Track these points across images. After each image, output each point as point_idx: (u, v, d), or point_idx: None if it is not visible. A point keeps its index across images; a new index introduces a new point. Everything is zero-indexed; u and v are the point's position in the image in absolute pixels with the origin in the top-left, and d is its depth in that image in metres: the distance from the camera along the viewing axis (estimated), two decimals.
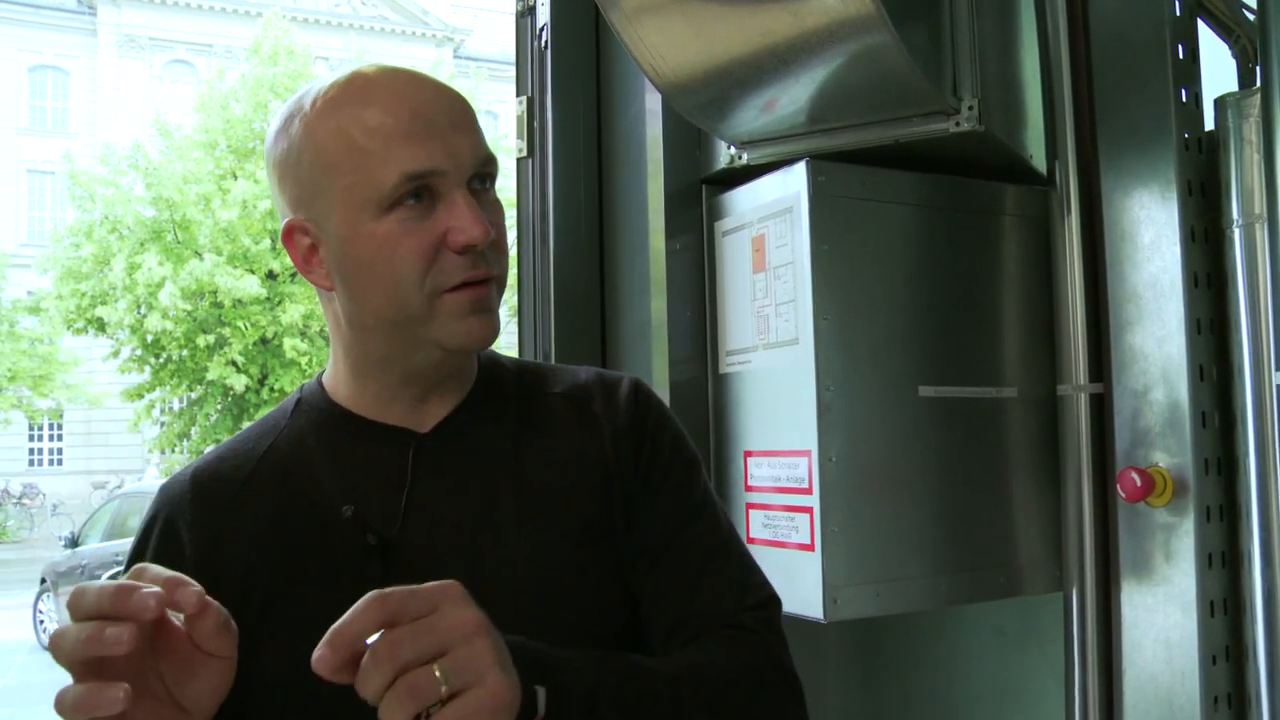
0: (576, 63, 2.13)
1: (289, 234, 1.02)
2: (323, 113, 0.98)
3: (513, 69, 2.26)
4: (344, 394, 1.09)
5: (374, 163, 0.95)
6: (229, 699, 0.87)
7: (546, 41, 2.14)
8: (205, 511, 1.04)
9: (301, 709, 0.94)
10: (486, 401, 1.10)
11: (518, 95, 2.20)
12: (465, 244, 0.96)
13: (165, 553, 1.02)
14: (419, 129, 0.96)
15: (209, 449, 1.12)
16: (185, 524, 1.04)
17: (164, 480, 1.11)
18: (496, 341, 1.06)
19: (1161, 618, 1.58)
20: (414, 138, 0.96)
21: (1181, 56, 1.62)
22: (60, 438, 27.56)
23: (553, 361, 2.01)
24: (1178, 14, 1.63)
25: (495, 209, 1.02)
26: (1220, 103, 1.60)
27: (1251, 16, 1.66)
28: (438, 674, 0.75)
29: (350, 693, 0.75)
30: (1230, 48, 1.70)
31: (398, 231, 0.96)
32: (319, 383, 1.12)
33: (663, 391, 1.84)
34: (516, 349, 2.12)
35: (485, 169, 1.00)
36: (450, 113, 0.99)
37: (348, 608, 0.77)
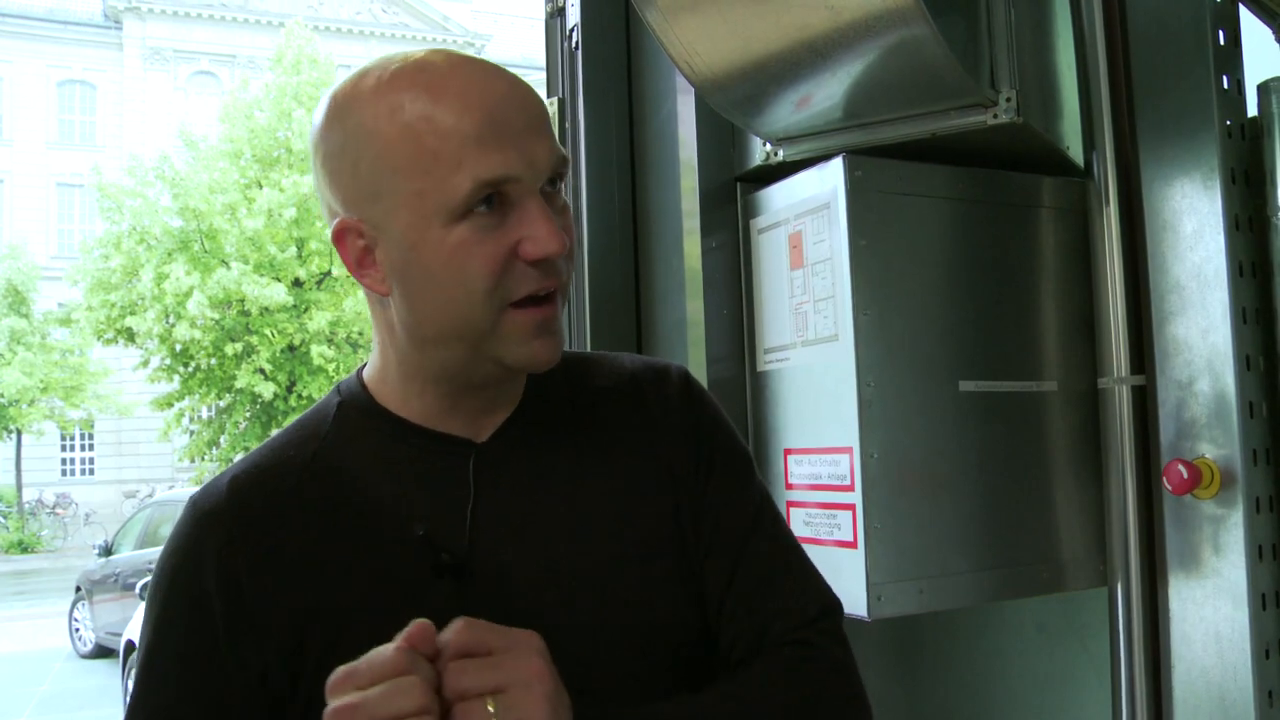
0: (607, 63, 2.13)
1: (341, 234, 0.94)
2: (387, 106, 0.90)
3: (534, 73, 2.26)
4: (394, 400, 1.02)
5: (446, 168, 0.88)
6: None
7: (577, 42, 2.14)
8: (248, 528, 0.96)
9: None
10: (540, 405, 1.06)
11: (548, 97, 2.20)
12: (540, 256, 0.91)
13: (199, 582, 0.94)
14: (494, 133, 0.89)
15: (240, 456, 1.05)
16: (225, 544, 0.95)
17: (194, 492, 1.01)
18: None
19: (1211, 611, 1.56)
20: (489, 143, 0.89)
21: (1223, 42, 1.60)
22: (92, 448, 27.84)
23: None
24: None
25: (564, 212, 0.97)
26: (1263, 88, 1.58)
27: None
28: (490, 709, 0.78)
29: None
30: (1273, 32, 1.67)
31: (469, 240, 0.90)
32: (360, 384, 1.05)
33: None
34: None
35: (558, 170, 0.95)
36: (525, 113, 0.92)
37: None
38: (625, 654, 0.97)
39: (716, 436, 1.09)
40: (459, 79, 0.91)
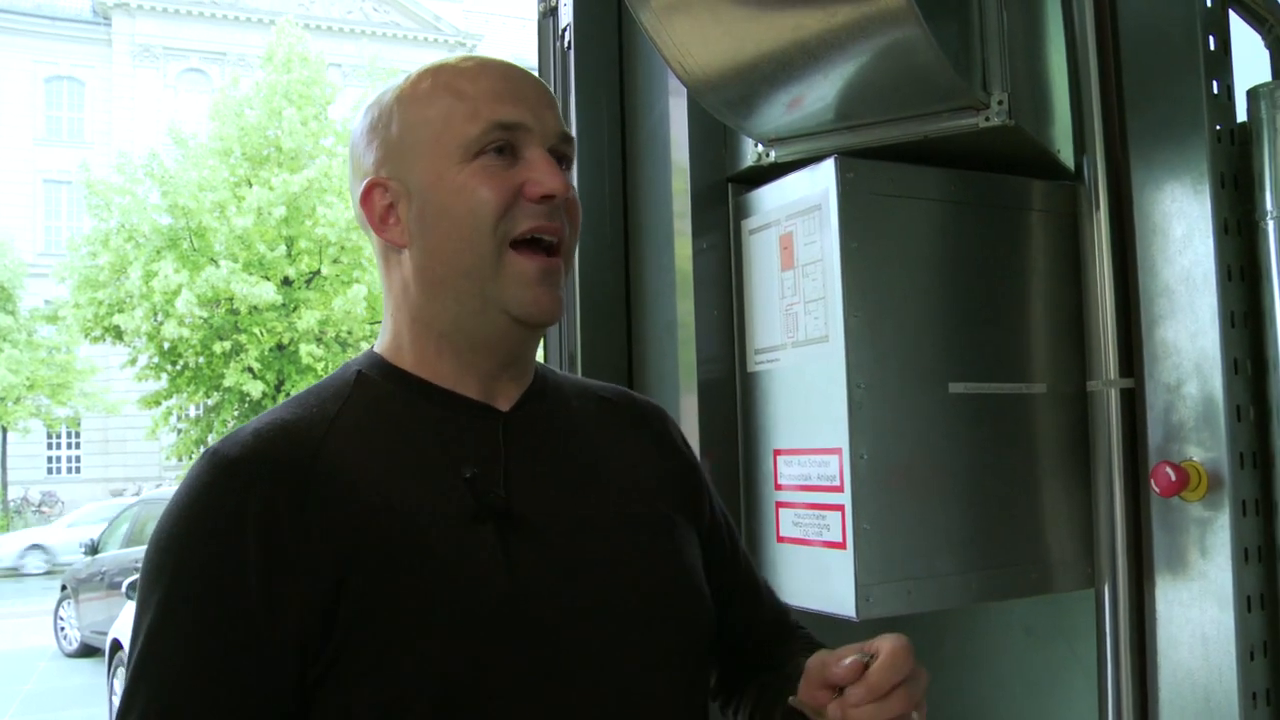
0: (600, 63, 2.13)
1: (368, 193, 1.06)
2: (418, 81, 1.06)
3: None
4: (411, 363, 1.07)
5: (464, 114, 1.02)
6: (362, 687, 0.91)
7: (570, 42, 2.13)
8: (282, 472, 0.95)
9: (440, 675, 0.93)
10: (552, 390, 1.15)
11: None
12: (543, 194, 1.01)
13: (230, 527, 0.93)
14: (509, 91, 1.04)
15: (256, 418, 1.04)
16: (259, 487, 0.94)
17: (212, 445, 0.99)
18: None
19: (1198, 613, 1.57)
20: (504, 96, 1.03)
21: (1213, 48, 1.60)
22: (78, 445, 27.73)
23: (579, 363, 2.01)
24: (1208, 5, 1.61)
25: (570, 184, 1.07)
26: (1253, 94, 1.59)
27: None
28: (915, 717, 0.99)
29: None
30: (1263, 38, 1.68)
31: (479, 177, 1.01)
32: (376, 355, 1.09)
33: (690, 391, 1.84)
34: (542, 350, 2.12)
35: (564, 147, 1.07)
36: (537, 88, 1.07)
37: (464, 574, 0.94)
38: (661, 590, 1.07)
39: (699, 464, 1.27)
40: (481, 59, 1.08)
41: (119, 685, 7.33)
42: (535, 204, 1.02)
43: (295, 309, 18.15)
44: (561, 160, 1.06)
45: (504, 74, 1.05)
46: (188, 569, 0.94)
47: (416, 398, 1.05)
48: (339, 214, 17.41)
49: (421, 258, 1.04)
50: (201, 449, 19.32)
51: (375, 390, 1.06)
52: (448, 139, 1.02)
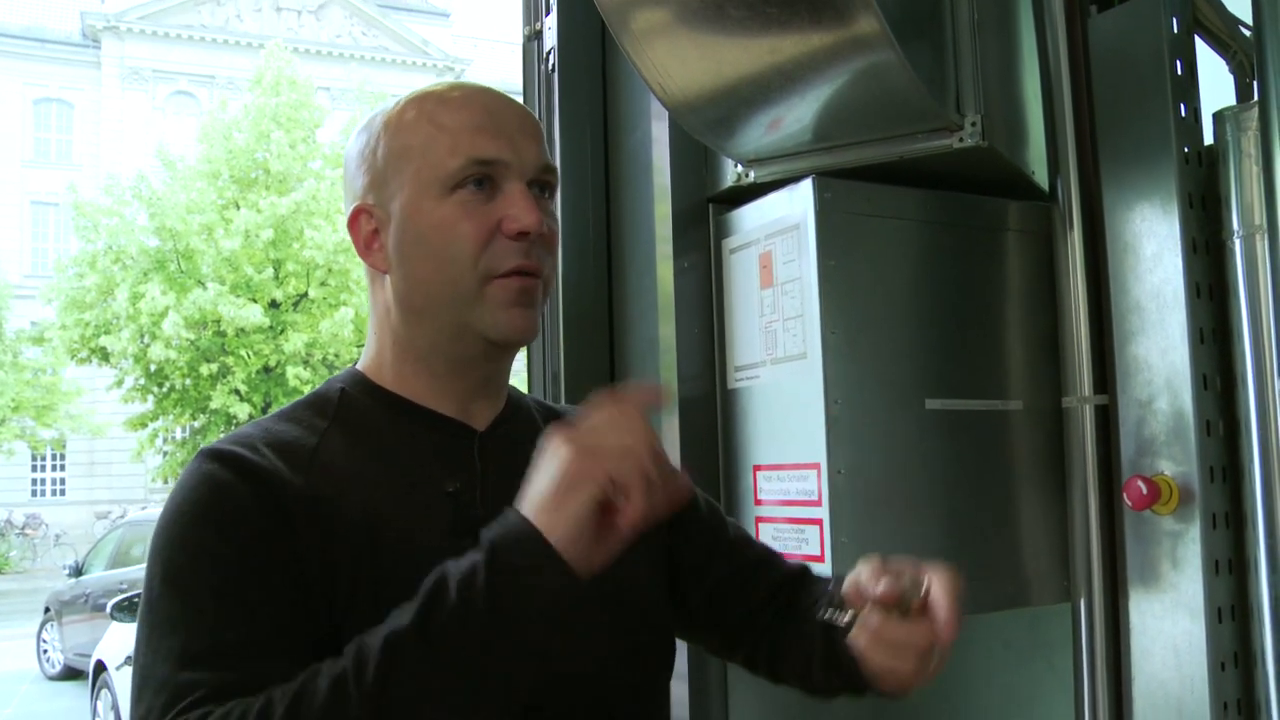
0: (583, 86, 2.16)
1: (354, 218, 1.09)
2: (404, 110, 1.08)
3: (513, 97, 2.29)
4: (391, 381, 1.10)
5: (444, 148, 1.04)
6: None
7: (554, 65, 2.17)
8: (272, 474, 0.97)
9: None
10: (525, 413, 1.18)
11: None
12: (519, 230, 1.03)
13: (232, 508, 0.95)
14: (489, 124, 1.05)
15: (244, 426, 1.06)
16: (255, 479, 0.96)
17: (203, 449, 1.01)
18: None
19: (1170, 625, 1.60)
20: (484, 131, 1.04)
21: (1180, 72, 1.64)
22: (63, 468, 27.55)
23: (562, 382, 2.03)
24: (1175, 31, 1.65)
25: (551, 217, 1.09)
26: (1219, 117, 1.63)
27: (1247, 33, 1.69)
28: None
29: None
30: (1227, 63, 1.73)
31: (458, 213, 1.03)
32: (359, 373, 1.12)
33: (672, 409, 1.86)
34: (525, 369, 2.14)
35: (545, 176, 1.08)
36: (520, 119, 1.08)
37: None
38: (628, 612, 1.11)
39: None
40: (465, 90, 1.10)
41: (102, 707, 7.27)
42: (513, 240, 1.03)
43: (282, 331, 18.13)
44: (544, 189, 1.09)
45: (485, 106, 1.07)
46: (197, 533, 0.95)
47: (397, 415, 1.08)
48: (327, 237, 17.41)
49: (401, 284, 1.06)
50: None
51: (358, 406, 1.09)
52: (427, 171, 1.04)
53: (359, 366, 1.13)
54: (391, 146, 1.06)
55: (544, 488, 0.86)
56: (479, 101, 1.07)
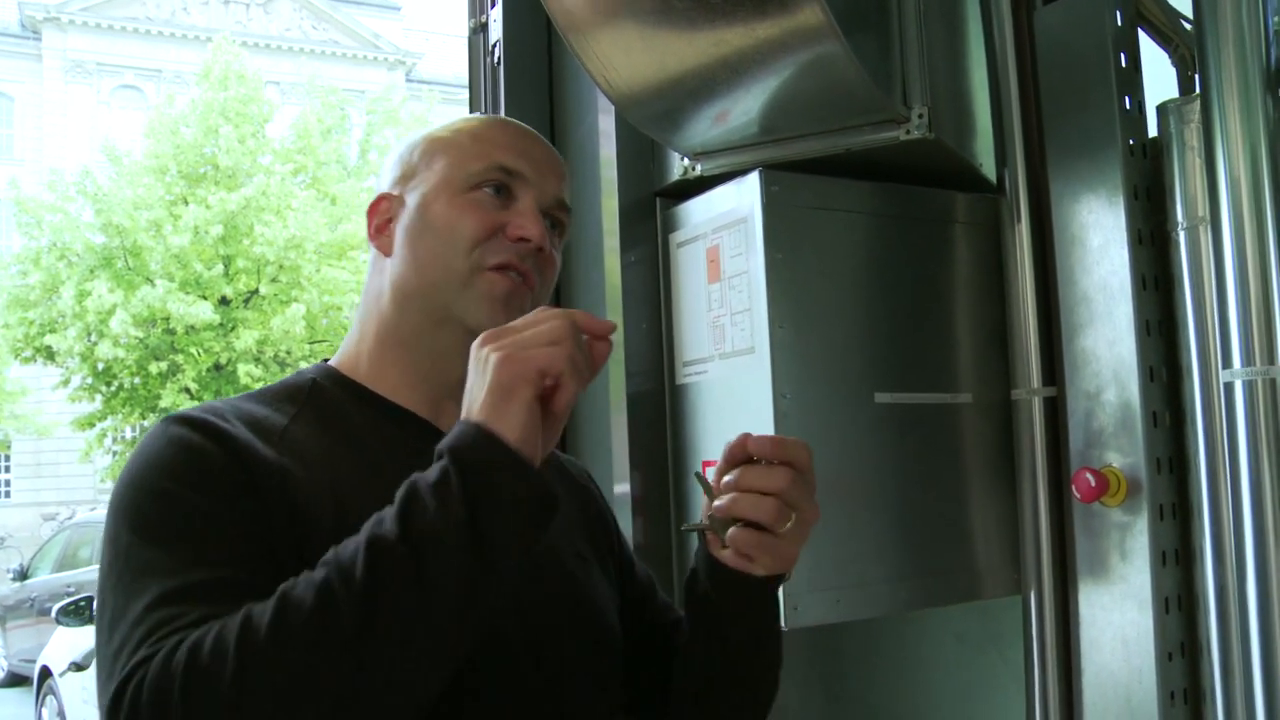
0: (529, 79, 2.13)
1: (375, 204, 1.16)
2: (448, 126, 1.18)
3: (465, 92, 2.26)
4: (366, 374, 1.13)
5: (473, 155, 1.12)
6: None
7: (499, 58, 2.14)
8: (241, 445, 0.98)
9: None
10: None
11: (470, 112, 2.20)
12: (521, 235, 1.08)
13: (203, 458, 0.95)
14: (519, 145, 1.14)
15: (212, 401, 1.06)
16: (222, 440, 0.97)
17: (169, 415, 1.01)
18: None
19: (1118, 616, 1.60)
20: (514, 148, 1.13)
21: (1124, 65, 1.65)
22: (8, 469, 27.02)
23: None
24: (1119, 24, 1.66)
25: (554, 248, 1.15)
26: (1162, 109, 1.64)
27: (1189, 26, 1.69)
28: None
29: None
30: (1170, 56, 1.73)
31: (469, 207, 1.10)
32: (331, 367, 1.15)
33: (620, 404, 1.84)
34: None
35: (559, 213, 1.15)
36: (548, 154, 1.17)
37: None
38: (586, 611, 1.14)
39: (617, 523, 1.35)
40: (509, 120, 1.21)
41: (47, 714, 7.14)
42: (512, 242, 1.09)
43: (233, 328, 17.87)
44: (555, 225, 1.15)
45: (521, 133, 1.17)
46: (166, 484, 0.94)
47: (367, 407, 1.11)
48: (277, 233, 17.17)
49: (400, 267, 1.11)
50: None
51: (329, 396, 1.11)
52: (453, 171, 1.11)
53: (332, 362, 1.16)
54: (427, 148, 1.15)
55: (482, 395, 0.88)
56: (515, 128, 1.18)
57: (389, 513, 0.85)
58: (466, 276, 1.08)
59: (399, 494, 0.86)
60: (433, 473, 0.86)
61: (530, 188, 1.12)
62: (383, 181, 1.18)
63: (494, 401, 0.87)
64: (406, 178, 1.15)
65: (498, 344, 0.89)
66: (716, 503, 1.02)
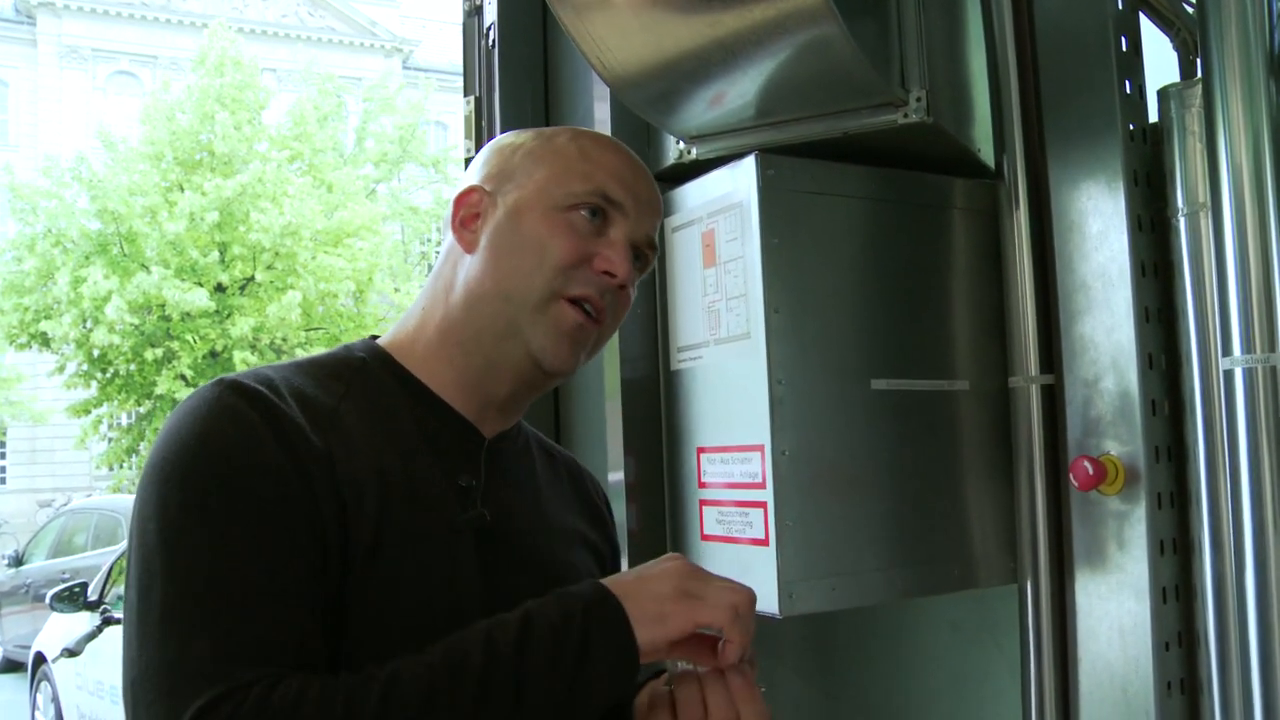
0: (524, 62, 2.12)
1: (466, 194, 1.13)
2: (557, 135, 1.16)
3: (459, 78, 2.24)
4: (420, 365, 1.12)
5: (578, 174, 1.11)
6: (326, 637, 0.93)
7: (494, 41, 2.12)
8: (295, 423, 0.97)
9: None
10: (521, 439, 1.22)
11: (465, 96, 2.18)
12: (607, 269, 1.09)
13: (251, 442, 0.94)
14: (627, 175, 1.13)
15: (262, 368, 1.05)
16: (279, 419, 0.97)
17: (221, 378, 1.00)
18: None
19: (1115, 605, 1.59)
20: (621, 178, 1.12)
21: (1125, 49, 1.63)
22: (3, 456, 27.00)
23: None
24: (1120, 8, 1.64)
25: (634, 286, 1.16)
26: (1163, 94, 1.62)
27: (1191, 9, 1.67)
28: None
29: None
30: (1171, 40, 1.71)
31: (564, 228, 1.09)
32: (380, 348, 1.14)
33: (615, 390, 1.83)
34: None
35: (647, 250, 1.15)
36: (652, 191, 1.17)
37: (443, 571, 1.00)
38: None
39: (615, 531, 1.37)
40: (620, 145, 1.19)
41: (42, 700, 7.14)
42: (596, 275, 1.09)
43: (229, 315, 17.84)
44: (639, 259, 1.14)
45: (630, 164, 1.15)
46: (210, 481, 0.93)
47: (413, 397, 1.10)
48: (273, 219, 17.13)
49: (479, 269, 1.10)
50: (133, 458, 19.02)
51: (376, 379, 1.10)
52: (555, 185, 1.10)
53: (382, 342, 1.15)
54: (533, 152, 1.13)
55: (648, 599, 0.95)
56: (627, 157, 1.16)
57: (503, 629, 0.91)
58: (543, 300, 1.08)
59: (512, 618, 0.93)
60: (552, 610, 0.93)
61: (626, 221, 1.11)
62: (476, 170, 1.16)
63: (655, 613, 0.94)
64: (504, 177, 1.13)
65: (685, 574, 0.97)
66: None
